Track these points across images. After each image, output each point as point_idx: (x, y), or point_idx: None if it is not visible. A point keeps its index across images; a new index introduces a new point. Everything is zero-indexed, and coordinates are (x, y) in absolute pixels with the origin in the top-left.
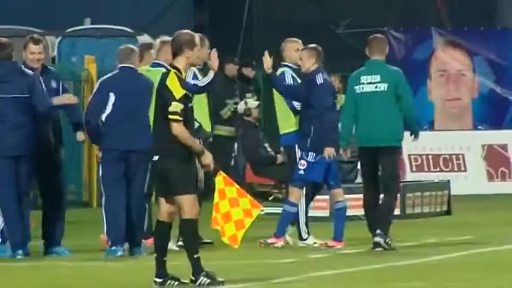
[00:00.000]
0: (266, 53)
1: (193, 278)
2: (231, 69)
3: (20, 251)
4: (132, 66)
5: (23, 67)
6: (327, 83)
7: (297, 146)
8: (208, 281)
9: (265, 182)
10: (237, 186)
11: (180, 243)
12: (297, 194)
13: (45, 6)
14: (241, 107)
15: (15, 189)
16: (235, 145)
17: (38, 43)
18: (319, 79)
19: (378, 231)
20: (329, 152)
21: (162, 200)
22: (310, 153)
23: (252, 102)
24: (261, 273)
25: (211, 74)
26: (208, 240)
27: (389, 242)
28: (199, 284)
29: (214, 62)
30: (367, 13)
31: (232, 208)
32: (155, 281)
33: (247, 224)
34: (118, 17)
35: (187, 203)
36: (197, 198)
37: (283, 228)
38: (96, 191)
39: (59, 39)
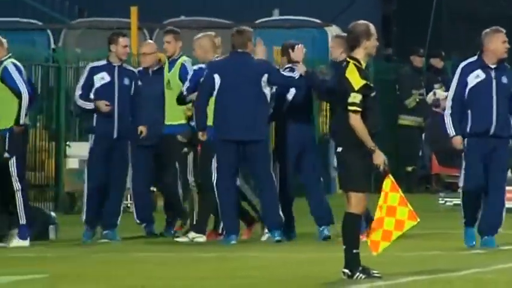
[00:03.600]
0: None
1: (349, 273)
2: (417, 60)
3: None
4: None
5: None
6: None
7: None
8: (364, 276)
9: (452, 173)
10: (401, 193)
11: (192, 235)
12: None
13: None
14: (430, 97)
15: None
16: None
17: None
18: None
19: None
20: None
21: (350, 192)
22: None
23: (441, 92)
24: (450, 264)
25: None
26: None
27: None
28: (356, 279)
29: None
30: None
31: (387, 217)
32: (344, 272)
33: (394, 237)
34: (306, 8)
35: (357, 198)
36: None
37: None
38: None
39: None
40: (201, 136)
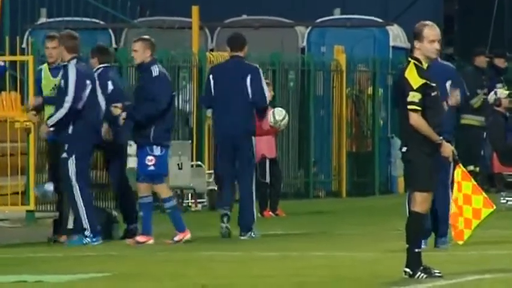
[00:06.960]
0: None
1: (410, 272)
2: (482, 61)
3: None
4: None
5: None
6: (163, 75)
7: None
8: (425, 275)
9: None
10: (473, 182)
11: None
12: (163, 188)
13: None
14: (491, 97)
15: None
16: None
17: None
18: (155, 71)
19: None
20: None
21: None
22: (154, 147)
23: (503, 92)
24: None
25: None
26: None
27: None
28: (417, 278)
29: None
30: None
31: (465, 205)
32: (405, 271)
33: (474, 225)
34: (368, 7)
35: (422, 197)
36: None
37: (181, 223)
38: (346, 181)
39: (308, 29)
40: None
